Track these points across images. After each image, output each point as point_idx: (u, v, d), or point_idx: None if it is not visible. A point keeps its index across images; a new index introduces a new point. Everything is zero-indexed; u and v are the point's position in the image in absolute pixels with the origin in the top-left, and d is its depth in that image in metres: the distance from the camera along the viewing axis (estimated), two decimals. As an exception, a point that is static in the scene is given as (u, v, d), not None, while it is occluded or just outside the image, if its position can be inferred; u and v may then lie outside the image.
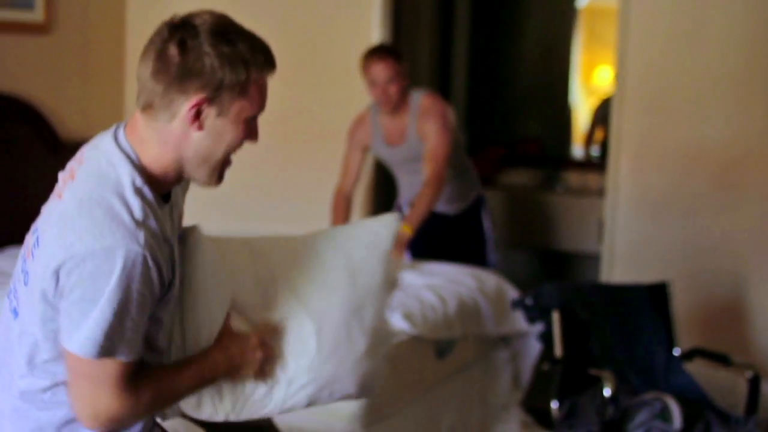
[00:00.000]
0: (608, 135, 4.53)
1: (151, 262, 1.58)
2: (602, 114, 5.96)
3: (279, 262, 1.86)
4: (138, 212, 1.59)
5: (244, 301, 1.80)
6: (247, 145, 1.70)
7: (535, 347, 3.86)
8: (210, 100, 1.59)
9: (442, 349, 3.42)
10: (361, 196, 4.57)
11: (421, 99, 3.95)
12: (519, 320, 3.76)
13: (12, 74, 4.27)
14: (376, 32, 4.60)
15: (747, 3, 4.17)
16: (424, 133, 3.91)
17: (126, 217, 1.58)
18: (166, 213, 1.69)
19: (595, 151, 6.31)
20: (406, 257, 3.96)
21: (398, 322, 3.19)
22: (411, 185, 4.09)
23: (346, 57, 4.64)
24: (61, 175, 1.70)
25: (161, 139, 1.62)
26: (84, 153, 1.68)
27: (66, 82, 4.54)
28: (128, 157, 1.63)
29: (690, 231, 4.30)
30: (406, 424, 3.25)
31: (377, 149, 4.09)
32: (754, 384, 3.22)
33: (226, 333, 1.77)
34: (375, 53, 3.89)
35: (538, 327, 3.42)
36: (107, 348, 1.59)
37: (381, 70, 3.81)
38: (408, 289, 3.60)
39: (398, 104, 3.90)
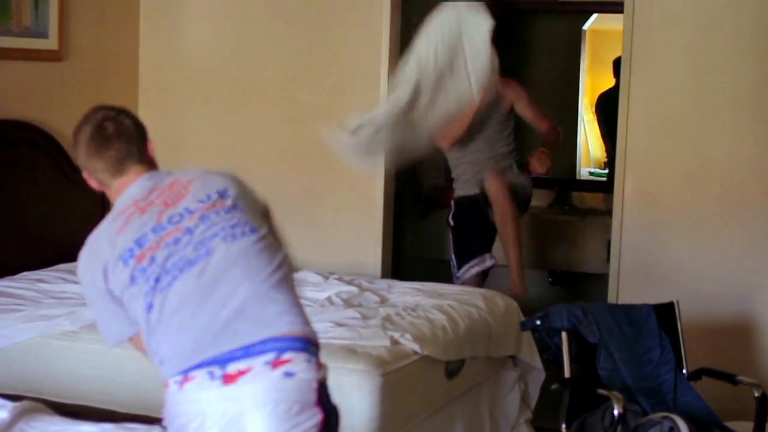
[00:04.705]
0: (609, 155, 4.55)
1: None
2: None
3: None
4: None
5: None
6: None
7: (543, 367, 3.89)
8: None
9: (452, 369, 3.45)
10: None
11: None
12: (528, 342, 3.78)
13: (27, 101, 4.34)
14: (384, 52, 4.64)
15: (751, 25, 4.21)
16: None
17: None
18: None
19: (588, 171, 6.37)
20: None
21: (408, 343, 3.22)
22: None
23: (354, 73, 4.70)
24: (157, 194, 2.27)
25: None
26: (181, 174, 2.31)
27: (79, 108, 4.46)
28: None
29: (696, 251, 4.32)
30: (417, 444, 3.26)
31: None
32: (762, 403, 3.22)
33: None
34: None
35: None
36: None
37: None
38: (418, 309, 3.63)
39: None
